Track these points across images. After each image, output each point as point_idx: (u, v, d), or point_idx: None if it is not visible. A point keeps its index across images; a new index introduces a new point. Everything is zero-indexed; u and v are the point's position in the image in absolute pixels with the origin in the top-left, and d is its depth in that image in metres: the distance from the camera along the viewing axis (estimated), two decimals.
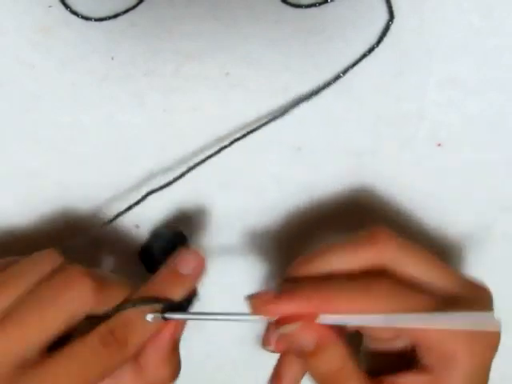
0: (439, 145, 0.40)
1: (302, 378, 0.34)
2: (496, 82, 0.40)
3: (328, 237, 0.40)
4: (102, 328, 0.30)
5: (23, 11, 0.39)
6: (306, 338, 0.30)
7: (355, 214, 0.40)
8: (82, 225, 0.39)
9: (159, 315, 0.31)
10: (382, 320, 0.29)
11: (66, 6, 0.39)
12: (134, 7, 0.40)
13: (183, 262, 0.33)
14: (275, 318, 0.30)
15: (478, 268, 0.40)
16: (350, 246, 0.32)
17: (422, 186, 0.40)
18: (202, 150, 0.39)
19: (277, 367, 0.34)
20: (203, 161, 0.39)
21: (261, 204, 0.40)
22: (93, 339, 0.30)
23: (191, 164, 0.39)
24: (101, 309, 0.31)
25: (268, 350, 0.34)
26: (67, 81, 0.39)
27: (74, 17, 0.39)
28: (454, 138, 0.40)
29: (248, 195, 0.40)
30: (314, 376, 0.31)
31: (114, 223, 0.38)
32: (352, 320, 0.30)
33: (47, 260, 0.31)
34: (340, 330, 0.31)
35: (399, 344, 0.32)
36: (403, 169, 0.40)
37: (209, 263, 0.39)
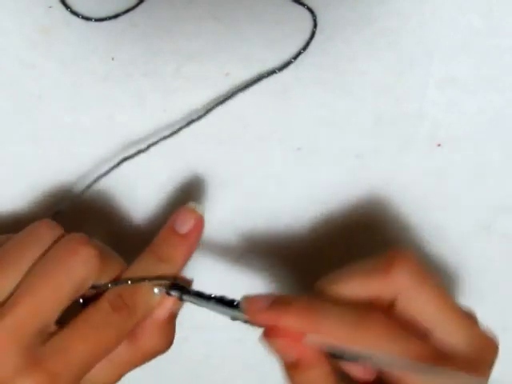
0: (439, 145, 0.40)
1: None
2: (496, 82, 0.40)
3: (328, 236, 0.40)
4: (111, 294, 0.31)
5: (23, 11, 0.39)
6: (288, 353, 0.30)
7: (355, 214, 0.40)
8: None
9: (164, 290, 0.32)
10: (366, 356, 0.28)
11: (67, 7, 0.39)
12: (134, 7, 0.40)
13: (180, 221, 0.33)
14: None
15: (478, 268, 0.40)
16: (363, 275, 0.30)
17: (422, 186, 0.40)
18: (201, 150, 0.39)
19: None
20: (203, 161, 0.39)
21: (260, 204, 0.40)
22: (103, 304, 0.31)
23: (191, 164, 0.39)
24: (103, 279, 0.31)
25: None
26: (67, 81, 0.39)
27: (74, 17, 0.39)
28: (453, 138, 0.40)
29: (248, 195, 0.40)
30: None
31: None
32: (338, 348, 0.29)
33: (47, 231, 0.31)
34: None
35: None
36: (403, 169, 0.40)
37: (208, 264, 0.40)
